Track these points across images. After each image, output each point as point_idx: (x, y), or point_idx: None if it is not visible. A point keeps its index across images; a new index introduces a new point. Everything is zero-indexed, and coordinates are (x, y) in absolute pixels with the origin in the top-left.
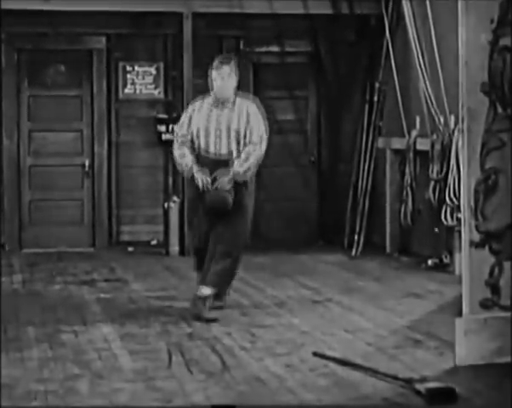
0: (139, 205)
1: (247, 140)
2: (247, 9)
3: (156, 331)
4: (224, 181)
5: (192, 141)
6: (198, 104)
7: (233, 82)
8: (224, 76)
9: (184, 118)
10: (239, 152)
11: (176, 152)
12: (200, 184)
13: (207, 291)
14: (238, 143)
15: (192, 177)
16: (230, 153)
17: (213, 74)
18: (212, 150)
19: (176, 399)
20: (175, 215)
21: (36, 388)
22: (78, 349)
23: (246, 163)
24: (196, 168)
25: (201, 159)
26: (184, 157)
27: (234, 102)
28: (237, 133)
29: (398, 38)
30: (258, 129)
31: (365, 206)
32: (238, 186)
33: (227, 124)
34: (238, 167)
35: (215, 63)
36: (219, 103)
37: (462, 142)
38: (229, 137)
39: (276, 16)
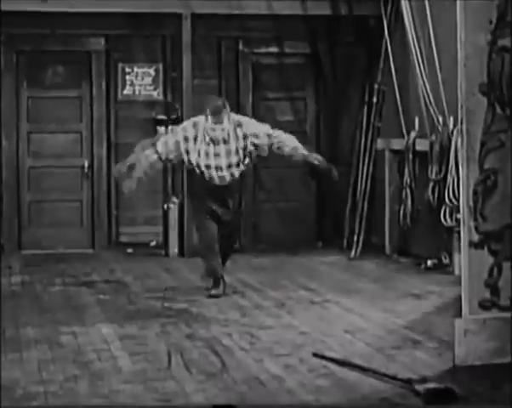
0: (138, 206)
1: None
2: (246, 10)
3: (155, 332)
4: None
5: (192, 168)
6: (190, 131)
7: (226, 118)
8: (220, 122)
9: (170, 140)
10: (243, 165)
11: (141, 154)
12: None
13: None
14: (242, 165)
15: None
16: (235, 179)
17: (210, 120)
18: (217, 182)
19: (175, 400)
20: (174, 216)
21: (35, 389)
22: (78, 350)
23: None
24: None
25: (205, 183)
26: (139, 164)
27: (226, 123)
28: (238, 163)
29: (397, 39)
30: (263, 130)
31: (364, 207)
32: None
33: (227, 161)
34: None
35: (210, 111)
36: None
37: (461, 142)
38: (230, 170)
39: (275, 17)
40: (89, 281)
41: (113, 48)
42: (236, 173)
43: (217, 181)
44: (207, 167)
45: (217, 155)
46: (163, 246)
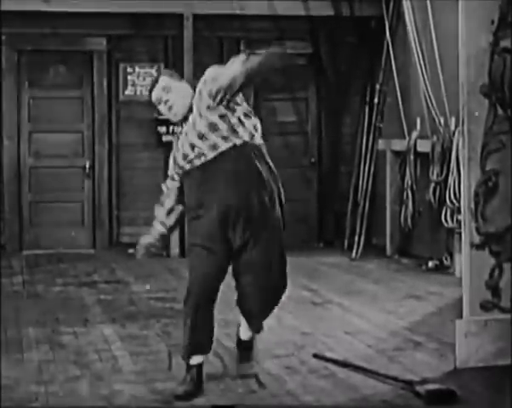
0: (139, 206)
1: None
2: (248, 11)
3: (156, 332)
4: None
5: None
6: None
7: (180, 92)
8: (164, 93)
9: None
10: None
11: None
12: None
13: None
14: (220, 130)
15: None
16: (217, 148)
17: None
18: (196, 161)
19: (176, 401)
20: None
21: (36, 389)
22: (78, 351)
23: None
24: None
25: (191, 174)
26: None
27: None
28: (211, 124)
29: (398, 40)
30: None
31: (365, 207)
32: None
33: (209, 142)
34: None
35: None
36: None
37: (462, 144)
38: (202, 136)
39: (277, 18)
40: (90, 282)
41: (115, 48)
42: (217, 141)
43: (196, 162)
44: (178, 150)
45: (185, 132)
46: (164, 247)
